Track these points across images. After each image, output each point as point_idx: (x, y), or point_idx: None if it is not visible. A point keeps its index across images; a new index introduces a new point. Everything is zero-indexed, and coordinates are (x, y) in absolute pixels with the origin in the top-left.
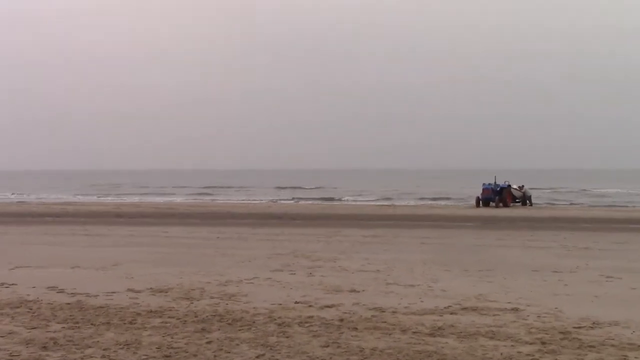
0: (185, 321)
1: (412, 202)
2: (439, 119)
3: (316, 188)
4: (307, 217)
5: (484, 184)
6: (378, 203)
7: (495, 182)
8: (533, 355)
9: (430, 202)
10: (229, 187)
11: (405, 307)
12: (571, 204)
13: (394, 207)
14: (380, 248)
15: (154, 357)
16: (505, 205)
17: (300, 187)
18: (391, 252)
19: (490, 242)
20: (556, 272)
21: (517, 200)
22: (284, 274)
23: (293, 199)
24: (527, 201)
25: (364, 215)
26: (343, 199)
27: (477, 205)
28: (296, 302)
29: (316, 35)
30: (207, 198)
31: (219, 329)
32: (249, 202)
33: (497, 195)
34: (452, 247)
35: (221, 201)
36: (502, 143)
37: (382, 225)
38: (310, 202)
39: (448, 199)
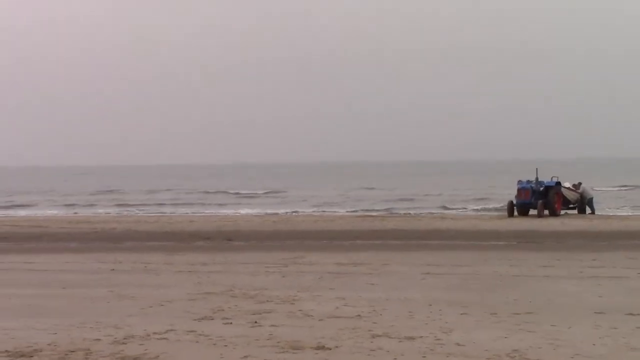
0: None
1: (412, 210)
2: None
3: (266, 193)
4: (252, 237)
5: (519, 182)
6: (359, 213)
7: (536, 179)
8: None
9: (440, 209)
10: (128, 192)
11: None
12: None
13: (383, 218)
14: (362, 281)
15: None
16: (553, 214)
17: (240, 193)
18: (380, 288)
19: (530, 270)
20: (632, 314)
21: (571, 206)
22: (215, 323)
23: (228, 207)
24: (587, 206)
25: (339, 232)
26: (306, 209)
27: (511, 213)
28: None
29: None
30: (96, 210)
31: None
32: (161, 213)
33: (541, 197)
34: (472, 278)
35: (115, 213)
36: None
37: (366, 247)
38: (256, 212)
39: (466, 204)
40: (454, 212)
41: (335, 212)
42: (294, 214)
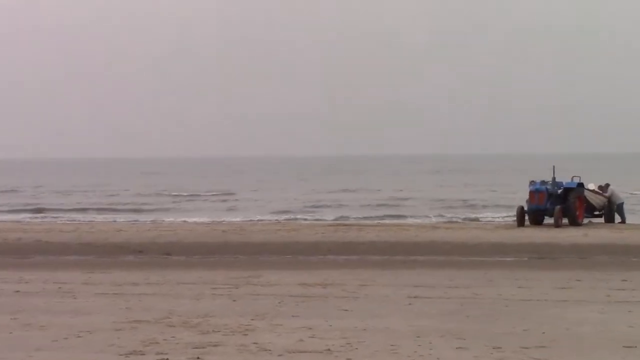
0: None
1: (395, 219)
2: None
3: (215, 195)
4: (196, 250)
5: (532, 183)
6: (332, 221)
7: (553, 179)
8: None
9: (432, 217)
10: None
11: None
12: None
13: (361, 228)
14: (333, 306)
15: None
16: (574, 222)
17: (182, 194)
18: (355, 315)
19: (544, 294)
20: None
21: (596, 213)
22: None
23: (167, 212)
24: (617, 214)
25: (306, 244)
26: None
27: (521, 222)
28: None
29: None
30: None
31: None
32: (79, 221)
33: (558, 202)
34: (472, 303)
35: (18, 219)
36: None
37: (339, 263)
38: (201, 220)
39: (466, 210)
40: (451, 220)
41: (301, 219)
42: (249, 221)
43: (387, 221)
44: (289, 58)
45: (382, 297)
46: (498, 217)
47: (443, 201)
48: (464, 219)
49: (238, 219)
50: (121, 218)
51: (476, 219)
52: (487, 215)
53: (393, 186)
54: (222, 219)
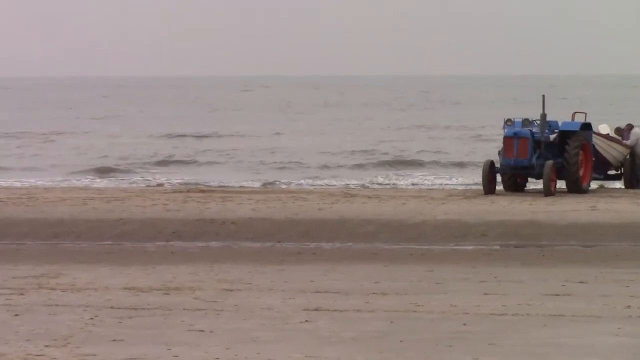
0: None
1: (285, 183)
2: None
3: None
4: None
5: (508, 124)
6: (181, 186)
7: (542, 116)
8: None
9: (344, 180)
10: None
11: None
12: None
13: (226, 196)
14: (181, 325)
15: None
16: (576, 188)
17: None
18: (216, 339)
19: (526, 305)
20: None
21: (611, 172)
22: None
23: None
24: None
25: (134, 222)
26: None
27: (489, 188)
28: None
29: None
30: None
31: None
32: None
33: (550, 156)
34: (409, 321)
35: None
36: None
37: (189, 255)
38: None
39: (400, 167)
40: (374, 183)
41: (131, 181)
42: (41, 185)
43: (271, 187)
44: None
45: (262, 310)
46: (452, 180)
47: (366, 153)
48: (393, 184)
49: (28, 181)
50: None
51: (416, 183)
52: (434, 177)
53: (280, 127)
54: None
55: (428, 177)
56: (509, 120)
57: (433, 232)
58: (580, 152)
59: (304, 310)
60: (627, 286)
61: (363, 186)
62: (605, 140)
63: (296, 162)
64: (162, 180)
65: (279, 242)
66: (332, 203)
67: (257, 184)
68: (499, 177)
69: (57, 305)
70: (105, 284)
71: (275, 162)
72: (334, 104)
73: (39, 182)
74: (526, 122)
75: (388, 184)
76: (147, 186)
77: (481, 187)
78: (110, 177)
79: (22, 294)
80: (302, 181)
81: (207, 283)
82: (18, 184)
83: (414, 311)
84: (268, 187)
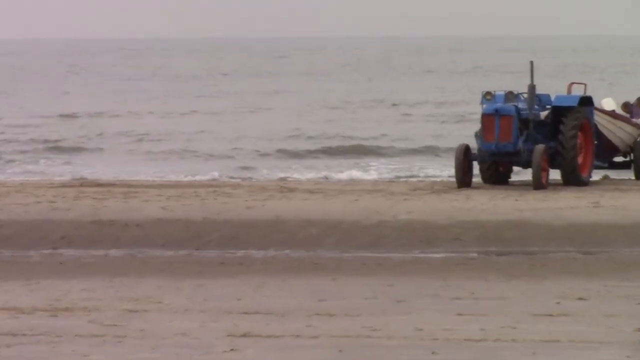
0: None
1: (205, 174)
2: None
3: None
4: None
5: (487, 97)
6: (68, 178)
7: (531, 88)
8: None
9: (279, 172)
10: None
11: None
12: None
13: (129, 191)
14: (72, 355)
15: None
16: (574, 179)
17: None
18: None
19: (511, 327)
20: None
21: (617, 159)
22: None
23: None
24: None
25: (13, 224)
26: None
27: (463, 179)
28: None
29: None
30: None
31: None
32: None
33: (540, 139)
34: (360, 349)
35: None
36: None
37: (83, 265)
38: None
39: (352, 156)
40: (317, 176)
41: (11, 173)
42: None
43: (189, 179)
44: None
45: (176, 337)
46: (417, 171)
47: (309, 137)
48: (344, 177)
49: None
50: None
51: (371, 176)
52: (393, 166)
53: (198, 104)
54: None
55: (386, 167)
56: (488, 93)
57: (393, 236)
58: (579, 133)
59: (229, 336)
60: (639, 303)
61: (304, 179)
62: (610, 119)
63: (220, 148)
64: (49, 171)
65: (196, 249)
66: (265, 200)
67: (168, 177)
68: (476, 166)
69: None
70: None
71: (194, 151)
72: (268, 72)
73: None
74: (510, 96)
75: (334, 177)
76: (29, 179)
77: (454, 179)
78: None
79: None
80: (226, 173)
81: (105, 302)
82: None
83: (369, 336)
84: (183, 181)
